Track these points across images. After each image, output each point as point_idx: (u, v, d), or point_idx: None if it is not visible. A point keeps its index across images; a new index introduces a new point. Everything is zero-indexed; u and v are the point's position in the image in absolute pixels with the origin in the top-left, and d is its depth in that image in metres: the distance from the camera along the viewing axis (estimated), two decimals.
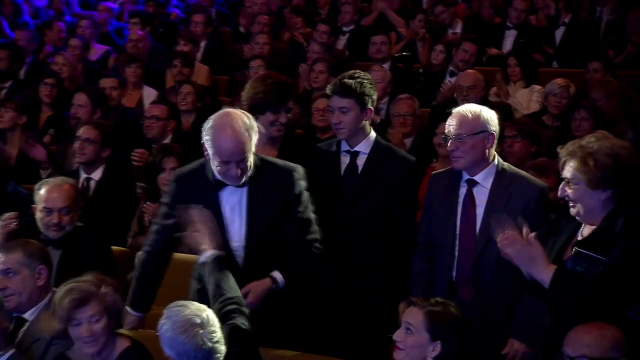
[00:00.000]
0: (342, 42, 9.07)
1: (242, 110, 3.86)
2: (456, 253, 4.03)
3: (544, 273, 3.22)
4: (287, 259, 3.93)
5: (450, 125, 3.99)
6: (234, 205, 3.88)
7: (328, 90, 4.45)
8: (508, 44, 8.59)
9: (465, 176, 4.04)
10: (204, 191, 3.87)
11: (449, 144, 3.98)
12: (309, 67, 7.50)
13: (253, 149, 3.77)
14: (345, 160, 4.44)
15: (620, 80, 7.04)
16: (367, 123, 4.44)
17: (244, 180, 3.81)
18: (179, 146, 5.68)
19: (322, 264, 4.09)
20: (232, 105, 5.01)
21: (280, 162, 4.01)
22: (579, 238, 3.41)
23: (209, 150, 3.77)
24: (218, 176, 3.83)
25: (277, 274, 3.88)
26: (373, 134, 4.48)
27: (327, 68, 7.16)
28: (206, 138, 3.77)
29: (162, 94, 7.52)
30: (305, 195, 3.98)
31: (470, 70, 6.99)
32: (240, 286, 3.65)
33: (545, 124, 6.58)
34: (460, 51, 7.79)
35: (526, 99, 7.25)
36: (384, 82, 6.88)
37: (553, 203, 4.19)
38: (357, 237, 4.37)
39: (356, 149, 4.42)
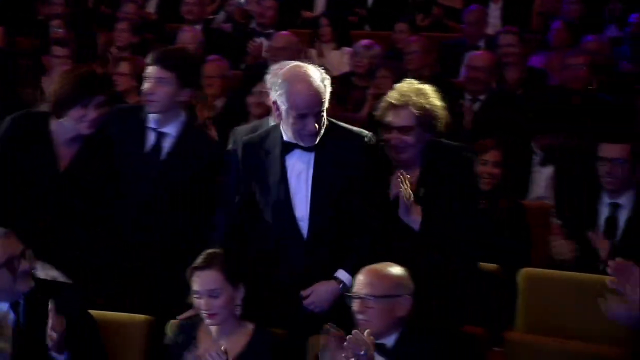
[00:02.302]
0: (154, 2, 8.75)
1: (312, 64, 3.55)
2: None
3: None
4: (353, 250, 3.54)
5: None
6: (300, 171, 3.51)
7: (149, 59, 4.08)
8: (320, 6, 8.57)
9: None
10: (269, 156, 3.55)
11: None
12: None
13: (327, 104, 3.45)
14: (150, 137, 4.09)
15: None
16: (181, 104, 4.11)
17: (317, 140, 3.46)
18: None
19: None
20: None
21: (351, 127, 3.62)
22: None
23: (283, 106, 3.41)
24: (287, 138, 3.50)
25: (342, 274, 3.52)
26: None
27: (129, 27, 6.85)
28: (279, 93, 3.42)
29: None
30: (378, 166, 3.60)
31: (283, 32, 6.90)
32: (307, 262, 3.50)
33: (354, 85, 6.60)
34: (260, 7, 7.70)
35: (337, 60, 7.25)
36: (195, 43, 6.68)
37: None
38: (158, 222, 4.04)
39: (164, 130, 4.07)
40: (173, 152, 4.06)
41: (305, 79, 3.41)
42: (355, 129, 3.57)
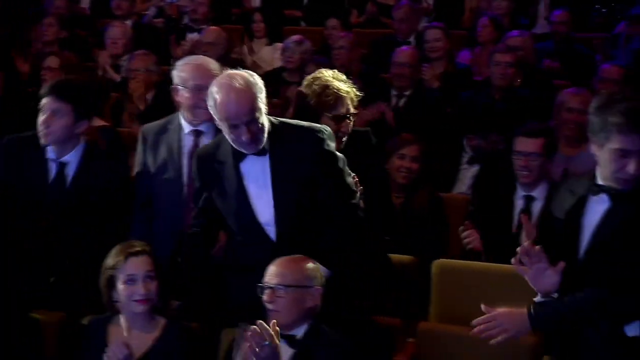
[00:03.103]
0: None
1: (245, 70, 3.42)
2: None
3: None
4: (324, 238, 3.47)
5: None
6: (257, 176, 3.43)
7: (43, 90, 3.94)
8: (256, 2, 8.56)
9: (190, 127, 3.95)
10: (223, 165, 3.45)
11: None
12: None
13: (263, 108, 3.33)
14: (52, 169, 3.98)
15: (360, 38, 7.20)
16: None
17: (261, 146, 3.36)
18: None
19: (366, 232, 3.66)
20: None
21: (302, 123, 3.51)
22: None
23: (216, 118, 3.34)
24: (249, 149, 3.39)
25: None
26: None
27: (57, 22, 6.77)
28: (210, 105, 3.34)
29: None
30: (339, 157, 3.51)
31: (213, 27, 6.87)
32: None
33: (285, 80, 6.60)
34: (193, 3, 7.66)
35: (270, 56, 7.24)
36: (125, 38, 6.64)
37: None
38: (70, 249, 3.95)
39: (64, 159, 3.97)
40: (77, 180, 3.97)
41: (232, 90, 3.30)
42: (305, 124, 3.49)
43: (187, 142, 3.96)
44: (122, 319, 3.52)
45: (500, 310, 3.05)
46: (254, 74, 3.40)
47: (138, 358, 3.42)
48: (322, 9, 8.42)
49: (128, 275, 3.45)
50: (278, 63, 7.12)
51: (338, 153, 3.50)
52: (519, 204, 4.47)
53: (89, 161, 3.99)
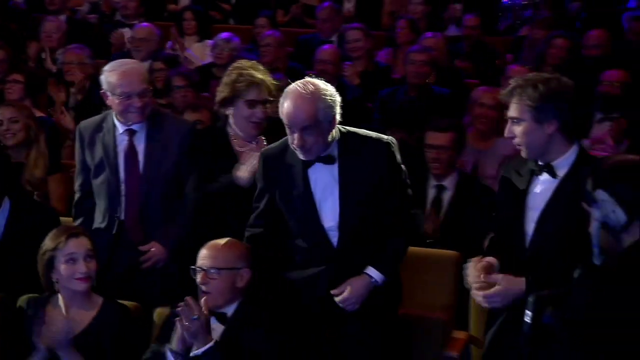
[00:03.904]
0: None
1: (323, 82, 3.29)
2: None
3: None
4: (384, 249, 3.36)
5: None
6: (326, 183, 3.31)
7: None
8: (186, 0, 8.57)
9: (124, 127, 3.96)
10: (291, 169, 3.34)
11: None
12: None
13: (328, 121, 3.22)
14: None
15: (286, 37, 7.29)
16: None
17: (312, 157, 3.28)
18: None
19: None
20: None
21: (371, 133, 3.39)
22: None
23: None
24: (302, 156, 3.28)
25: (372, 271, 3.33)
26: None
27: None
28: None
29: None
30: (403, 169, 3.39)
31: (144, 24, 6.87)
32: (337, 268, 3.32)
33: (215, 76, 6.64)
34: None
35: (200, 52, 7.27)
36: (59, 32, 6.60)
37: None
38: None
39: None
40: (9, 230, 3.91)
41: (296, 95, 3.20)
42: (374, 134, 3.39)
43: (122, 141, 3.96)
44: (60, 299, 3.55)
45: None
46: (331, 87, 3.28)
47: (76, 335, 3.45)
48: (250, 7, 8.52)
49: (69, 254, 3.47)
50: (208, 59, 7.18)
51: (402, 165, 3.40)
52: (431, 192, 4.65)
53: (20, 210, 3.92)
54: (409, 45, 6.87)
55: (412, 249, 3.58)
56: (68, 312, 3.51)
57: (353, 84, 6.36)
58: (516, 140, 3.18)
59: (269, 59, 6.33)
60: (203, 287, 3.36)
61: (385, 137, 3.38)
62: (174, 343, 3.28)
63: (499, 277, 3.14)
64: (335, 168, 3.31)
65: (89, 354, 3.43)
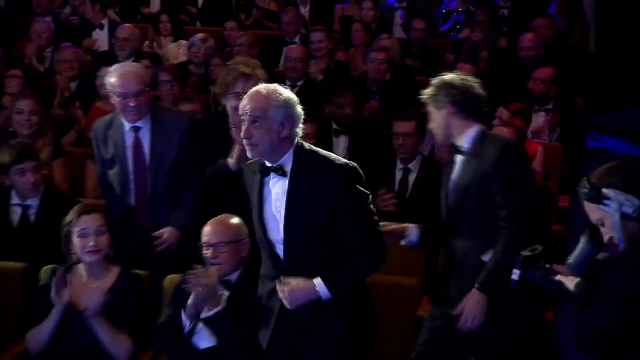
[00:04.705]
0: None
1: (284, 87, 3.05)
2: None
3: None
4: (336, 268, 3.03)
5: None
6: (277, 195, 3.04)
7: None
8: (156, 5, 8.63)
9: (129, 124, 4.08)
10: (254, 177, 3.09)
11: None
12: None
13: (272, 122, 2.92)
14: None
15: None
16: None
17: (253, 155, 3.00)
18: None
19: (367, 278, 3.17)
20: None
21: (332, 156, 3.05)
22: None
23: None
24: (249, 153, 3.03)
25: (318, 281, 3.00)
26: None
27: None
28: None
29: None
30: (360, 195, 3.01)
31: (126, 25, 6.92)
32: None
33: (190, 72, 6.75)
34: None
35: (175, 51, 7.35)
36: (48, 32, 6.62)
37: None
38: None
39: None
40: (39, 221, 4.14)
41: (254, 89, 3.04)
42: (335, 157, 3.04)
43: (128, 137, 4.08)
44: (80, 268, 3.66)
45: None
46: (292, 95, 3.02)
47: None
48: (215, 11, 8.61)
49: (81, 229, 3.58)
50: (182, 57, 7.25)
51: (362, 190, 3.03)
52: (398, 174, 4.89)
53: (48, 202, 4.15)
54: (364, 46, 7.09)
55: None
56: (87, 281, 3.61)
57: (317, 80, 6.53)
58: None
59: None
60: (213, 261, 3.47)
61: (345, 161, 3.02)
62: (188, 307, 3.42)
63: None
64: (286, 181, 3.02)
65: (109, 319, 3.54)
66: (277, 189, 3.04)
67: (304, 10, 8.66)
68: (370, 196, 3.07)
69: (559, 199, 5.43)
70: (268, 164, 3.01)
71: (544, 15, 7.94)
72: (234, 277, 3.53)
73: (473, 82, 3.49)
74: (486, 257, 3.37)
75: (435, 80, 3.52)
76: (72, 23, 7.61)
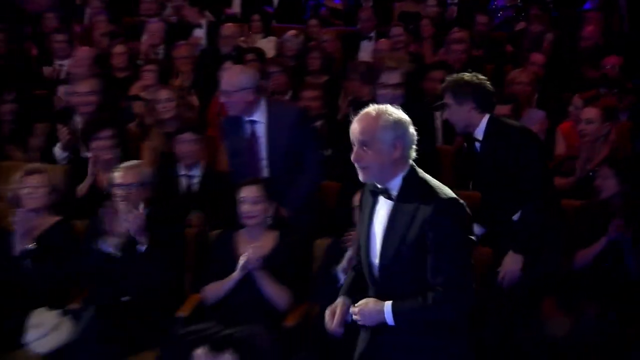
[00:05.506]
0: None
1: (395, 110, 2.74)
2: None
3: None
4: (414, 298, 2.71)
5: None
6: (382, 217, 2.79)
7: None
8: (237, 5, 8.89)
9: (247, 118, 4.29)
10: (368, 198, 2.86)
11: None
12: None
13: (387, 145, 2.66)
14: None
15: None
16: None
17: (365, 178, 2.73)
18: None
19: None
20: None
21: (443, 188, 2.73)
22: None
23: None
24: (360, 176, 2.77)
25: (388, 305, 2.72)
26: None
27: None
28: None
29: None
30: (460, 236, 2.70)
31: (229, 23, 7.18)
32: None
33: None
34: None
35: (266, 46, 7.58)
36: (161, 32, 6.94)
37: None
38: None
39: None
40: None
41: (364, 112, 2.76)
42: (445, 190, 2.72)
43: (247, 129, 4.29)
44: (245, 232, 3.95)
45: None
46: (400, 114, 2.73)
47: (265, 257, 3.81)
48: (288, 11, 8.83)
49: (241, 198, 3.89)
50: (272, 52, 7.30)
51: (464, 233, 2.73)
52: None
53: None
54: (431, 38, 7.27)
55: None
56: (251, 242, 3.86)
57: None
58: None
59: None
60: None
61: (452, 197, 2.70)
62: (343, 263, 3.69)
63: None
64: (390, 205, 2.76)
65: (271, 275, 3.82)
66: (383, 212, 2.78)
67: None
68: (472, 243, 2.80)
69: None
70: (378, 185, 2.78)
71: (592, 9, 8.07)
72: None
73: (484, 80, 3.89)
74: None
75: (455, 77, 3.90)
76: (173, 23, 7.87)
